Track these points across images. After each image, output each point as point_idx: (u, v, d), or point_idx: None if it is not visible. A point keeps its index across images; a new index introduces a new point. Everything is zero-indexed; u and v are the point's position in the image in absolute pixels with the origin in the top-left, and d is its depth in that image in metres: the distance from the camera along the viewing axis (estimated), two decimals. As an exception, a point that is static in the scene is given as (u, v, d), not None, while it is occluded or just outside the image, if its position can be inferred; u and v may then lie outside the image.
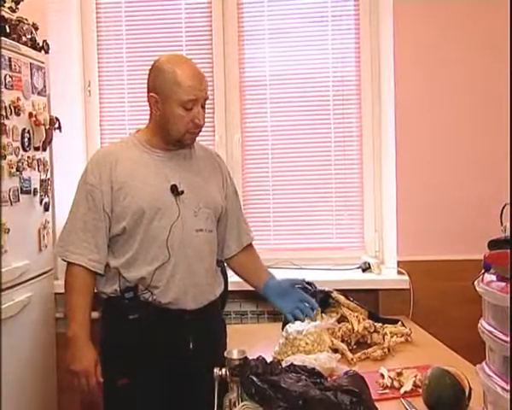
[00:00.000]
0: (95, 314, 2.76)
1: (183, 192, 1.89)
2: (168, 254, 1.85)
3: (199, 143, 2.08)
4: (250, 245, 2.20)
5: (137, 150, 1.93)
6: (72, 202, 1.94)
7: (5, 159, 2.25)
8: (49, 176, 2.62)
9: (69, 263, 1.89)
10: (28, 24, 2.48)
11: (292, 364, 1.57)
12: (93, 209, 1.87)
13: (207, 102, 1.93)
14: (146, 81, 3.06)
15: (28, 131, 2.42)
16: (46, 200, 2.58)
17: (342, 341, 2.09)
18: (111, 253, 1.90)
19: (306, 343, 1.94)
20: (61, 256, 1.92)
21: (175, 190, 1.88)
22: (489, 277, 1.31)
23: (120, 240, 1.89)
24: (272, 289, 2.14)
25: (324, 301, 2.29)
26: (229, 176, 2.14)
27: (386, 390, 1.68)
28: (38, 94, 2.52)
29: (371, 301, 2.65)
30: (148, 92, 1.91)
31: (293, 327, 1.99)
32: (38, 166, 2.51)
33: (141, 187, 1.87)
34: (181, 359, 1.88)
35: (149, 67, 1.94)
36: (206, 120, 1.93)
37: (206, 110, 1.93)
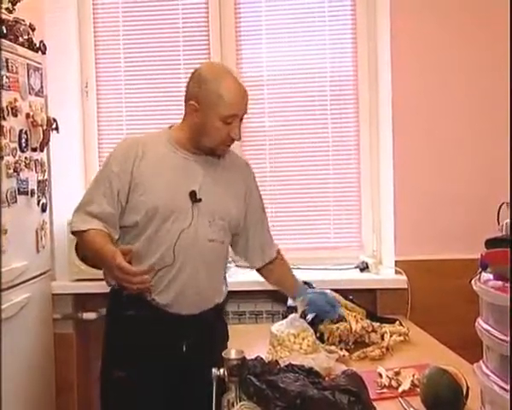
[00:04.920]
0: (90, 315, 2.79)
1: (200, 200, 1.88)
2: (173, 259, 1.84)
3: (233, 152, 2.07)
4: (281, 257, 2.21)
5: (166, 148, 1.93)
6: (93, 178, 1.96)
7: (2, 160, 2.24)
8: (46, 177, 2.62)
9: (80, 234, 1.90)
10: (25, 25, 2.48)
11: (290, 364, 1.57)
12: (108, 195, 1.87)
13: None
14: (143, 81, 3.07)
15: (25, 132, 2.41)
16: (43, 201, 2.58)
17: (340, 341, 2.10)
18: (122, 243, 1.90)
19: (308, 346, 1.95)
20: (71, 230, 1.93)
21: (193, 197, 1.87)
22: (486, 276, 1.31)
23: (130, 233, 1.90)
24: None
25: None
26: (257, 189, 2.13)
27: (384, 390, 1.68)
28: (36, 95, 2.52)
29: (369, 300, 2.65)
30: (188, 99, 1.90)
31: (285, 331, 1.98)
32: (36, 166, 2.51)
33: (160, 186, 1.87)
34: (173, 360, 1.88)
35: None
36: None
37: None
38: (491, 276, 1.30)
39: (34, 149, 2.49)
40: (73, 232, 1.94)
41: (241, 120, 1.90)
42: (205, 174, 1.93)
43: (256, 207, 2.12)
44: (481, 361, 1.30)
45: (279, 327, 2.02)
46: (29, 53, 2.48)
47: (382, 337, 2.13)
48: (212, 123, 1.85)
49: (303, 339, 1.96)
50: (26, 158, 2.42)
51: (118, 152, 1.93)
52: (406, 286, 2.68)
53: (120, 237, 1.92)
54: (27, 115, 2.42)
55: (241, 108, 1.87)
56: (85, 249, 2.01)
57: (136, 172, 1.87)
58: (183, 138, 1.93)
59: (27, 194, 2.43)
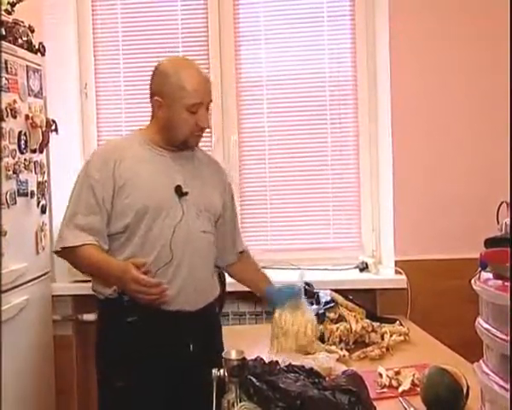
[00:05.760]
0: (90, 317, 2.79)
1: (187, 193, 1.88)
2: (171, 256, 1.84)
3: (200, 148, 2.09)
4: (247, 254, 2.20)
5: (142, 148, 1.93)
6: (71, 193, 1.91)
7: (1, 161, 2.24)
8: (45, 178, 2.62)
9: (72, 250, 1.85)
10: (24, 26, 2.48)
11: (290, 364, 1.57)
12: (93, 204, 1.85)
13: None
14: (142, 82, 3.06)
15: (25, 134, 2.41)
16: (43, 202, 2.58)
17: (340, 341, 2.10)
18: (111, 252, 1.88)
19: (311, 330, 1.96)
20: (64, 245, 1.86)
21: (179, 191, 1.88)
22: (485, 275, 1.31)
23: (120, 239, 1.87)
24: (272, 298, 2.12)
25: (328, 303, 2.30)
26: (229, 184, 2.15)
27: (385, 389, 1.68)
28: (35, 96, 2.52)
29: (369, 300, 2.65)
30: (152, 96, 1.91)
31: (288, 322, 1.98)
32: (35, 168, 2.51)
33: (145, 185, 1.86)
34: (180, 361, 1.87)
35: (150, 70, 1.94)
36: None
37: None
38: (490, 275, 1.30)
39: (33, 151, 2.49)
40: (63, 248, 1.87)
41: (208, 108, 1.92)
42: (183, 169, 1.94)
43: (231, 203, 2.14)
44: (481, 361, 1.30)
45: (282, 315, 2.01)
46: (28, 55, 2.48)
47: (382, 337, 2.13)
48: (178, 115, 1.87)
49: (305, 327, 1.96)
50: (25, 159, 2.41)
51: (96, 159, 1.92)
52: (406, 286, 2.68)
53: (110, 246, 1.88)
54: (27, 117, 2.42)
55: (204, 95, 1.88)
56: (80, 265, 1.92)
57: (117, 175, 1.85)
58: (156, 137, 1.94)
59: (27, 195, 2.43)
